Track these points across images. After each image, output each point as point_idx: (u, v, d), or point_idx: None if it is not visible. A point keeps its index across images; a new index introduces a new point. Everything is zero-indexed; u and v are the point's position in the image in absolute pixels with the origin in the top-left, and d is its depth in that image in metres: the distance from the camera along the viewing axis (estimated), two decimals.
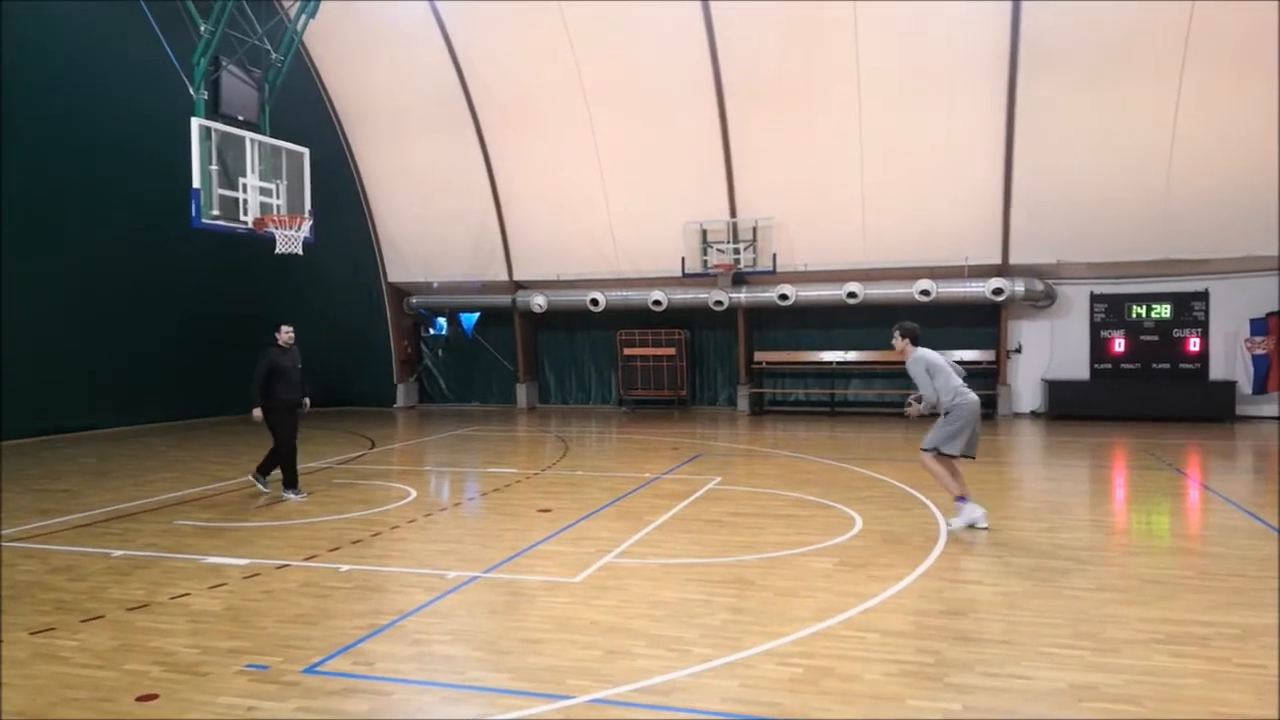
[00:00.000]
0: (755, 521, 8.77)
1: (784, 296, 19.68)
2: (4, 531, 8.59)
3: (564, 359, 23.19)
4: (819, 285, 19.65)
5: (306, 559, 7.44)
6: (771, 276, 19.66)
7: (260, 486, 10.46)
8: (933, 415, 8.33)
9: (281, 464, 10.31)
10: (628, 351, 21.60)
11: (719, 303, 20.22)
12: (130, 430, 17.49)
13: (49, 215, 15.96)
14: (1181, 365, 17.68)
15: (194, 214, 11.47)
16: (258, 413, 10.10)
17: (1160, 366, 17.81)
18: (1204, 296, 17.55)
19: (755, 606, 6.07)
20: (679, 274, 19.97)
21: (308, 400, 10.51)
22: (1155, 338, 17.83)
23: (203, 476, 11.83)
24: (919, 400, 8.28)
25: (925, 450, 8.29)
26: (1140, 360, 17.92)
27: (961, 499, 8.28)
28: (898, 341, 8.45)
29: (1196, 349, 17.60)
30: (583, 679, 4.82)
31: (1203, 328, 17.55)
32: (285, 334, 10.37)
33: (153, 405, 18.27)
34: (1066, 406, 18.37)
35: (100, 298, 17.03)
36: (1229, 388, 17.58)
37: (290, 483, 10.30)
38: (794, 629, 5.55)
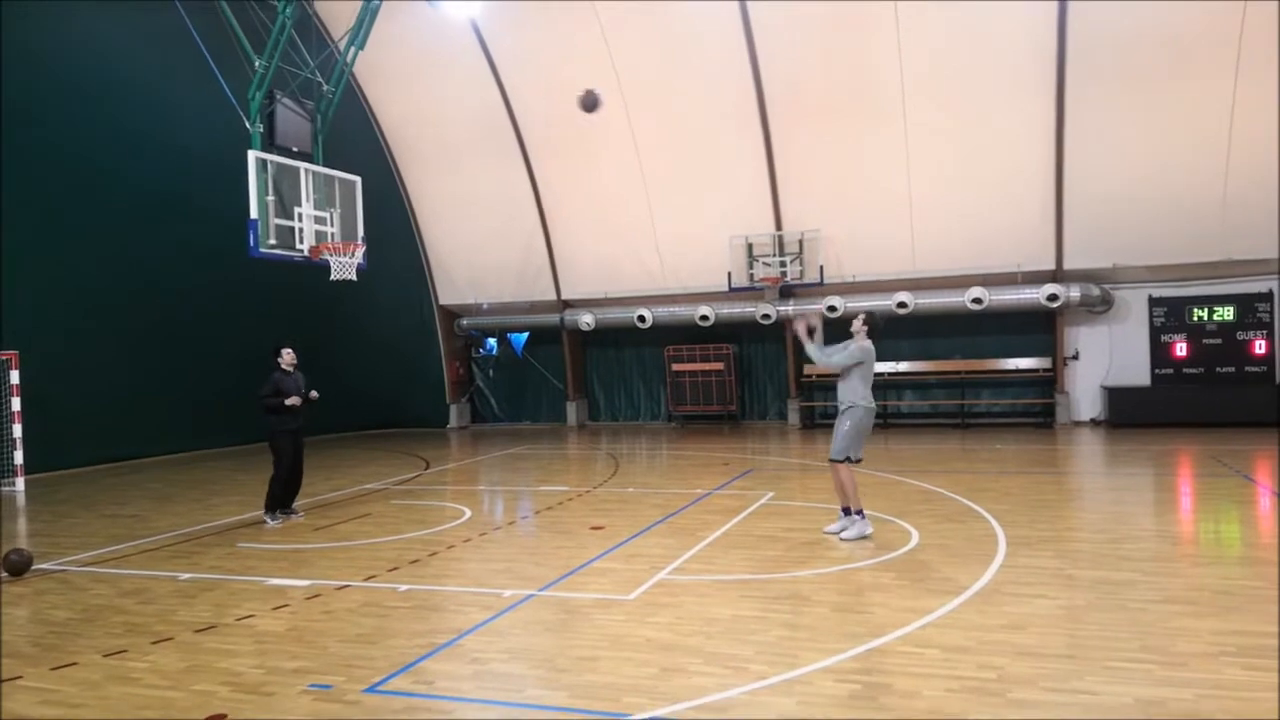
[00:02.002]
0: (809, 536, 8.70)
1: (832, 308, 19.53)
2: (77, 556, 8.88)
3: (613, 376, 23.29)
4: (868, 296, 19.47)
5: (366, 579, 7.57)
6: (819, 288, 19.56)
7: (270, 522, 10.30)
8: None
9: (272, 486, 10.32)
10: (676, 367, 21.61)
11: (766, 316, 20.15)
12: (194, 455, 17.95)
13: (114, 251, 16.53)
14: (1247, 368, 17.19)
15: (252, 244, 11.77)
16: (294, 400, 10.02)
17: (1225, 370, 17.34)
18: (1268, 298, 17.06)
19: (811, 623, 6.03)
20: (725, 289, 19.96)
21: (315, 393, 10.31)
22: (1218, 341, 17.37)
23: (263, 499, 12.06)
24: (809, 331, 8.58)
25: (838, 461, 8.46)
26: (1204, 364, 17.46)
27: (860, 512, 8.50)
28: (857, 324, 8.58)
29: (1263, 351, 17.10)
30: (639, 696, 4.83)
31: (1268, 329, 17.06)
32: (287, 357, 10.32)
33: (215, 430, 18.73)
34: (1127, 414, 17.93)
35: (161, 328, 17.55)
36: None
37: (270, 507, 10.29)
38: (851, 645, 5.50)
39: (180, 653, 5.82)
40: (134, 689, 5.23)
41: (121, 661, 5.70)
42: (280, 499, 10.42)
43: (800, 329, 8.66)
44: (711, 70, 18.37)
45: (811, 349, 8.54)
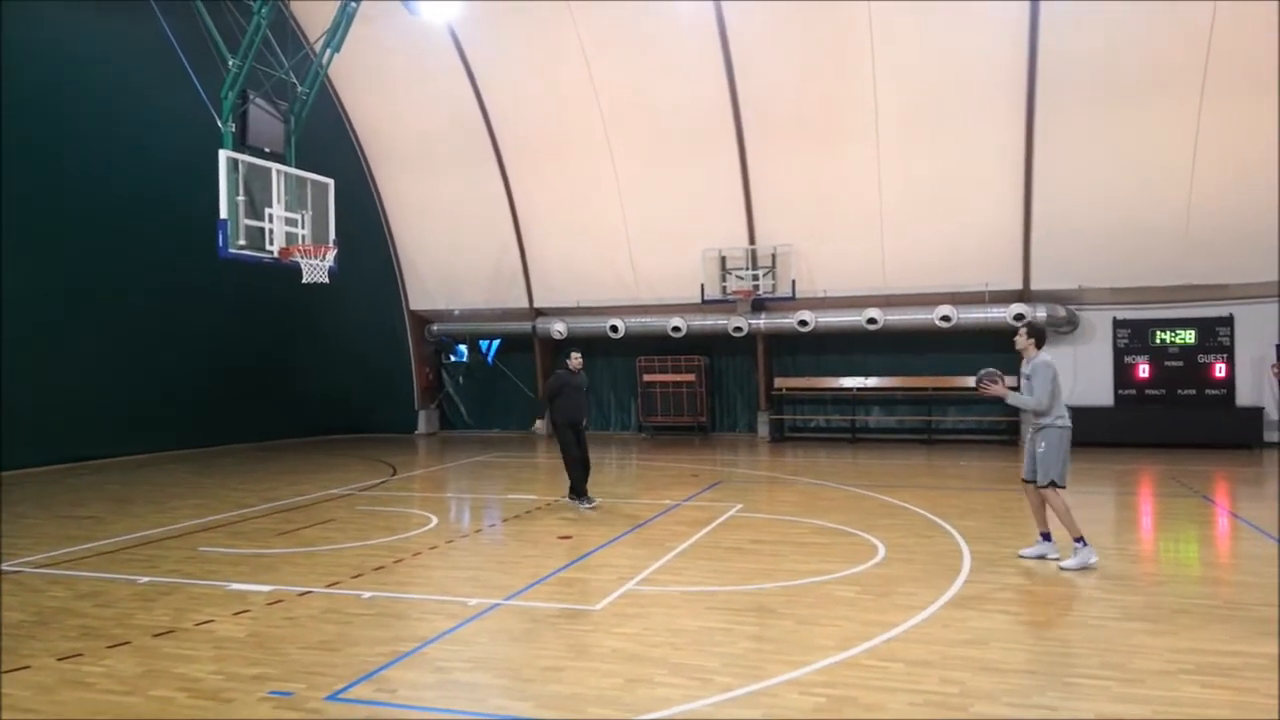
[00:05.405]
0: (776, 549, 8.74)
1: (803, 323, 19.67)
2: (32, 558, 8.69)
3: None
4: (839, 311, 19.63)
5: (329, 585, 7.48)
6: (791, 303, 19.67)
7: (580, 507, 11.05)
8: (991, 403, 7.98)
9: (571, 473, 11.08)
10: (647, 378, 21.62)
11: (738, 329, 20.23)
12: (154, 457, 17.65)
13: (78, 251, 16.24)
14: (1208, 391, 17.51)
15: (221, 244, 11.64)
16: (540, 424, 11.34)
17: (1186, 392, 17.65)
18: (1229, 322, 17.40)
19: (777, 635, 6.05)
20: (698, 300, 20.01)
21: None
22: (1180, 363, 17.68)
23: (226, 503, 11.93)
24: (996, 385, 7.96)
25: (1044, 487, 7.88)
26: (1165, 386, 17.76)
27: (1080, 539, 7.76)
28: (1022, 339, 8.08)
29: (1223, 375, 17.43)
30: (604, 707, 4.81)
31: (1228, 353, 17.39)
32: (575, 360, 11.38)
33: (176, 432, 18.44)
34: (1090, 433, 17.97)
35: (125, 328, 17.25)
36: (1257, 414, 17.33)
37: (577, 492, 11.04)
38: (817, 658, 5.52)
39: (137, 657, 5.72)
40: (88, 694, 5.12)
41: (76, 665, 5.59)
42: (578, 484, 11.09)
43: (996, 389, 8.02)
44: (688, 84, 18.46)
45: (1015, 399, 7.91)
